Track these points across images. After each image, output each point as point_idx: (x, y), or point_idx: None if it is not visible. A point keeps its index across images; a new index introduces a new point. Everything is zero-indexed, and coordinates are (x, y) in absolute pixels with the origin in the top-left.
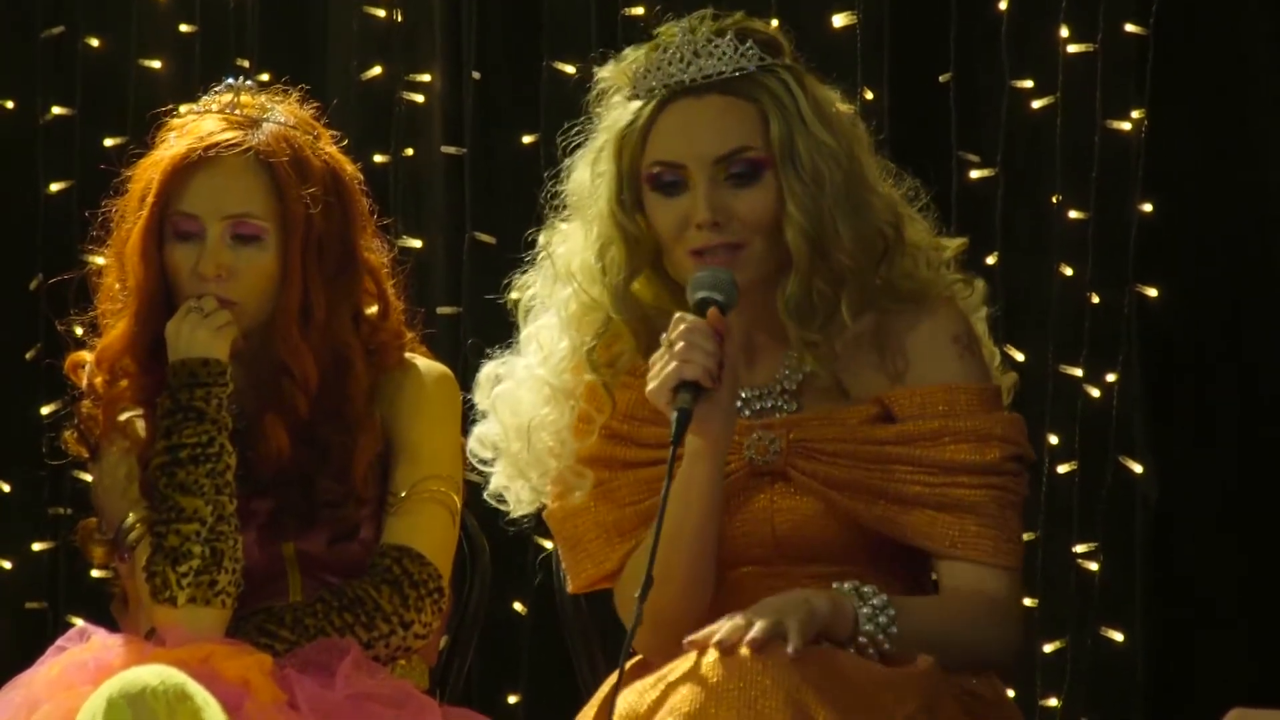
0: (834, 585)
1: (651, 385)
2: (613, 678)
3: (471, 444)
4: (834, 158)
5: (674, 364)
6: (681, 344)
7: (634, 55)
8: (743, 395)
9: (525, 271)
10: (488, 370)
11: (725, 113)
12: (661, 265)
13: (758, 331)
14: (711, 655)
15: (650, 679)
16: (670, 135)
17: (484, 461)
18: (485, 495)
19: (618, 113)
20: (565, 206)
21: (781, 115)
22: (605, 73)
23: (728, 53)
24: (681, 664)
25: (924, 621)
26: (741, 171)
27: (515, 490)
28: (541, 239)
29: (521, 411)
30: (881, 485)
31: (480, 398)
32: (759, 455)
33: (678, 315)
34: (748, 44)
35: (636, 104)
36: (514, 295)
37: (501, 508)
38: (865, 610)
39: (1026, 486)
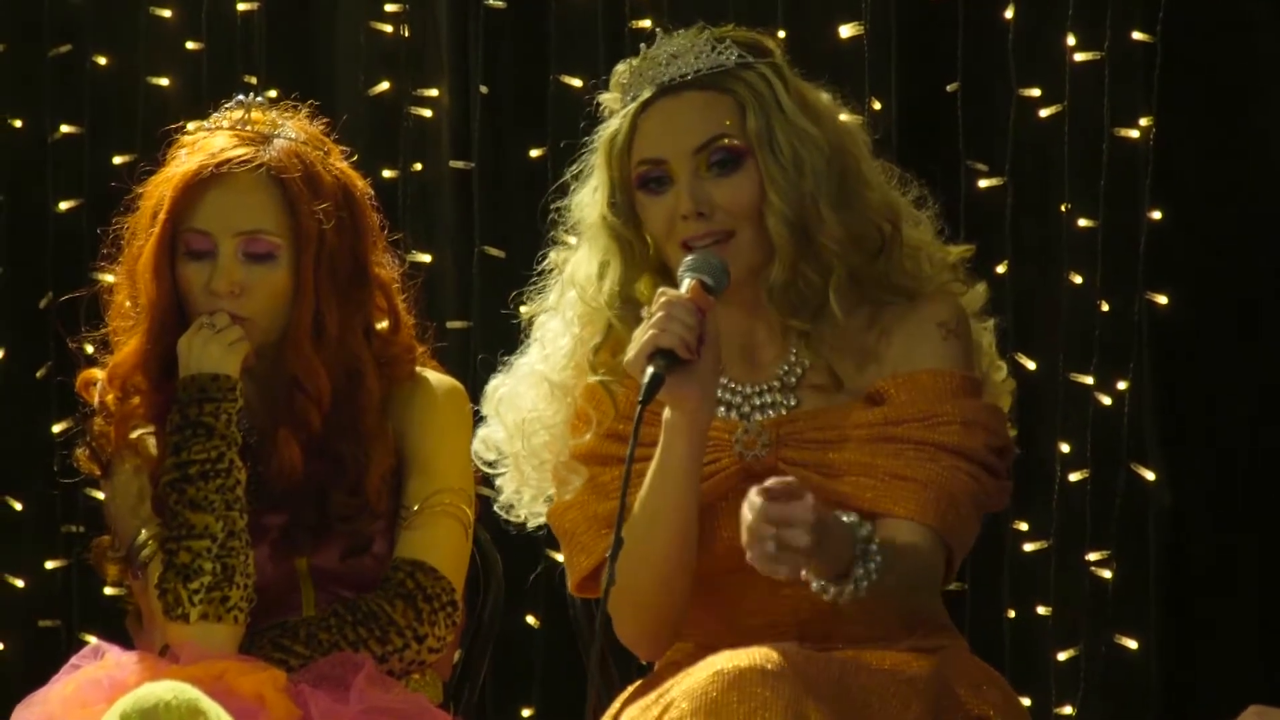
0: (846, 519)
1: (629, 354)
2: (622, 693)
3: (476, 446)
4: (816, 146)
5: (650, 332)
6: (660, 314)
7: (623, 68)
8: (741, 391)
9: (539, 289)
10: (495, 382)
11: (702, 106)
12: (665, 267)
13: (758, 327)
14: (710, 670)
15: (651, 696)
16: (652, 134)
17: (489, 465)
18: (495, 508)
19: (607, 123)
20: (569, 224)
21: (758, 105)
22: (604, 96)
23: (704, 51)
24: (681, 680)
25: (891, 572)
26: (721, 160)
27: (524, 500)
28: (552, 256)
29: (521, 407)
30: (869, 462)
31: (487, 408)
32: (747, 449)
33: (660, 290)
34: (725, 43)
35: (621, 111)
36: (525, 309)
37: (511, 519)
38: (861, 553)
39: (1007, 478)
